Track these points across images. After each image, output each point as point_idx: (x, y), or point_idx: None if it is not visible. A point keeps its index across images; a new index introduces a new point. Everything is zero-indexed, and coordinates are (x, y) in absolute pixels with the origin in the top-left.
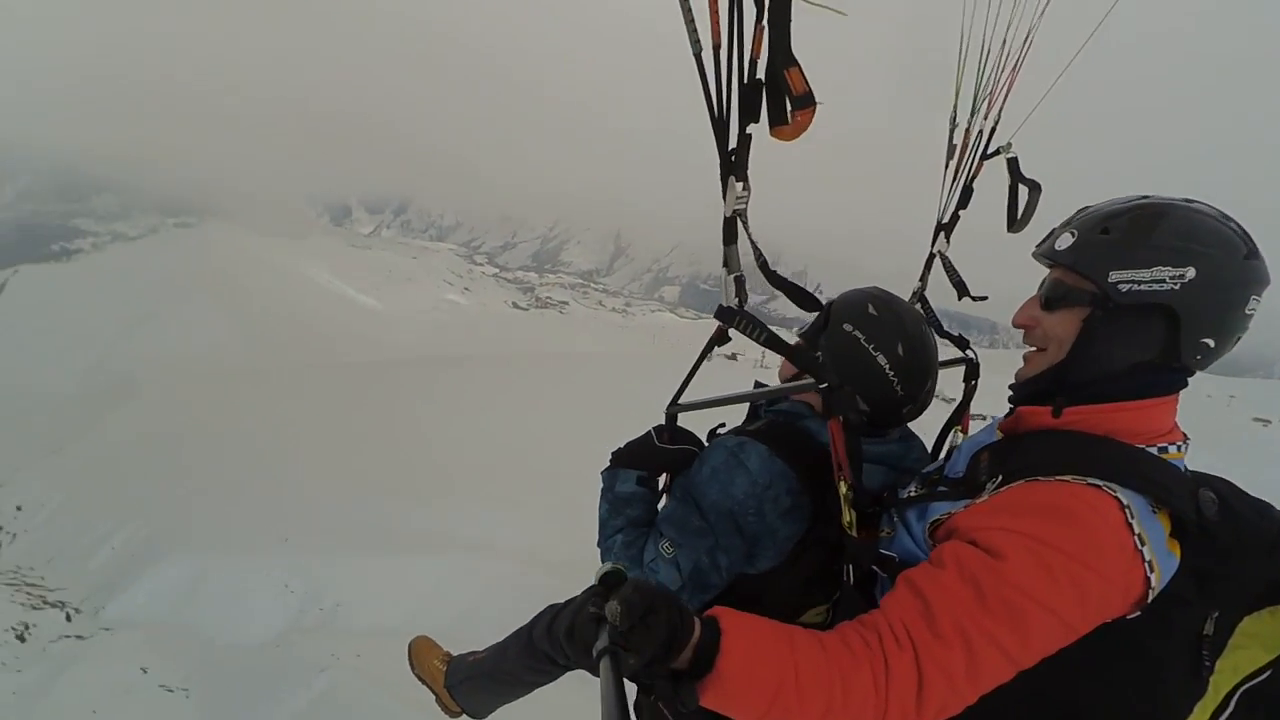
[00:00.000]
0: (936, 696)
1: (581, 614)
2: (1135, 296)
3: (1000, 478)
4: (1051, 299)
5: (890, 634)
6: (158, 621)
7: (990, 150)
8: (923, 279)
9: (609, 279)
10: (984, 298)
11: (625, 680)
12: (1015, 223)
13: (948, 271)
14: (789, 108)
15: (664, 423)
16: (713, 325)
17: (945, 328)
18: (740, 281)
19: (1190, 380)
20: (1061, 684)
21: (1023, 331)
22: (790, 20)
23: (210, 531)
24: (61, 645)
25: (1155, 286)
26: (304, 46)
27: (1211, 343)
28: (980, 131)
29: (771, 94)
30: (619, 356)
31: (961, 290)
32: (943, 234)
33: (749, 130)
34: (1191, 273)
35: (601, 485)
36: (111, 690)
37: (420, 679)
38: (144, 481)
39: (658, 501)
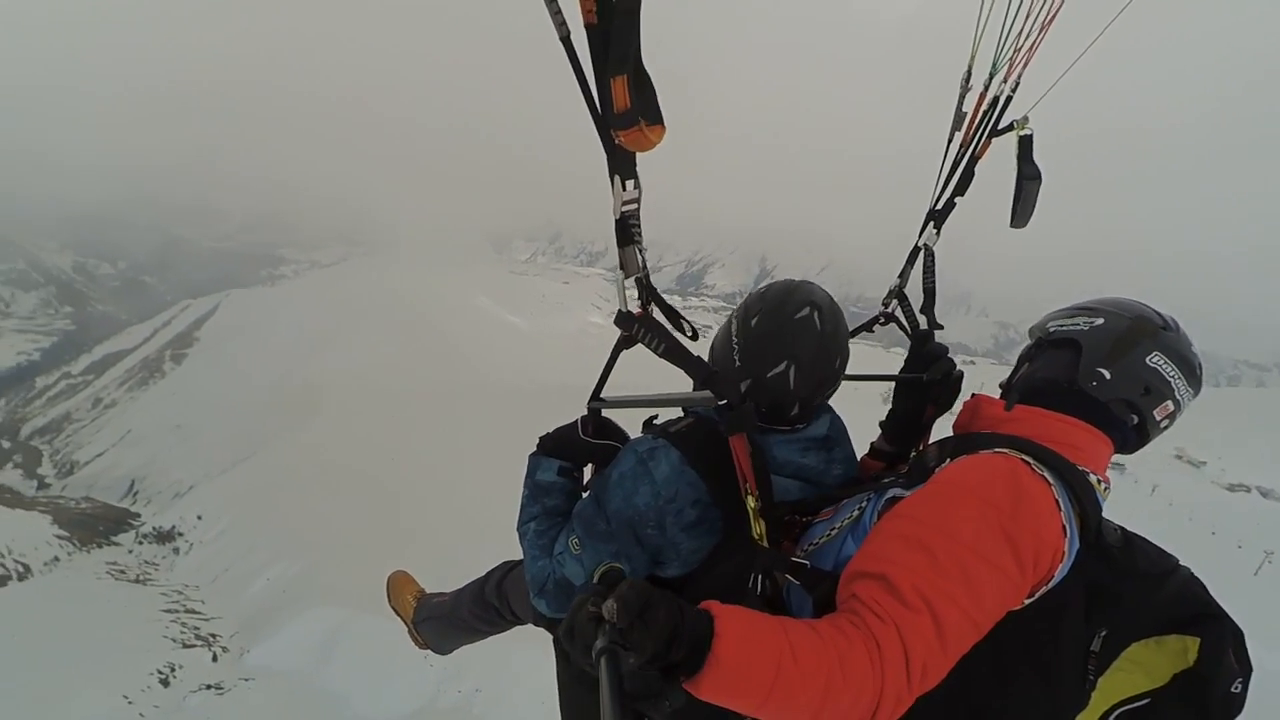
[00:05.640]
0: (920, 664)
1: (580, 613)
2: (1058, 334)
3: (948, 461)
4: (1020, 355)
5: (871, 613)
6: (297, 673)
7: (1003, 125)
8: (902, 275)
9: None
10: (940, 326)
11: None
12: (1017, 216)
13: (925, 273)
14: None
15: (587, 414)
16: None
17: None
18: (641, 285)
19: (1129, 451)
20: (971, 688)
21: None
22: (638, 4)
23: (357, 579)
24: (200, 699)
25: (1071, 327)
26: (476, 92)
27: (1107, 374)
28: (996, 99)
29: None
30: None
31: (929, 299)
32: (932, 224)
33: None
34: (1100, 320)
35: (525, 469)
36: None
37: (395, 611)
38: (307, 509)
39: (578, 493)
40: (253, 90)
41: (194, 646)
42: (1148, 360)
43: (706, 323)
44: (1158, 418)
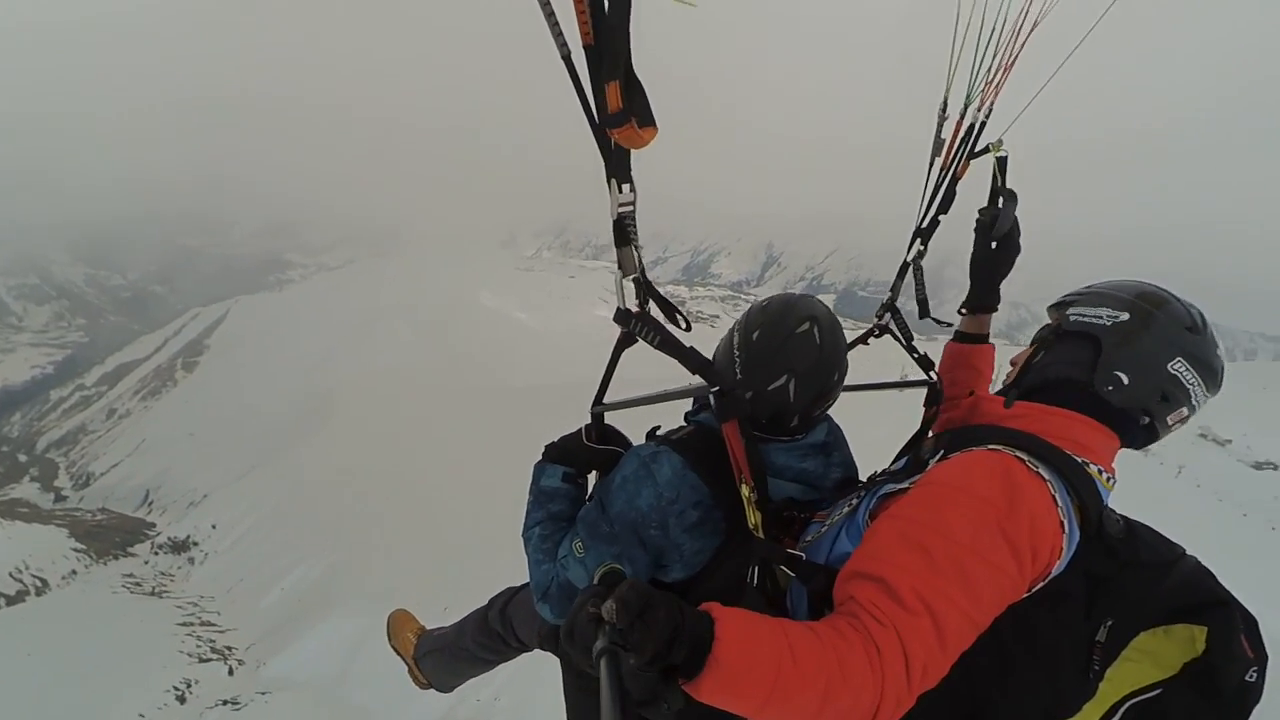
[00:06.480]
0: (920, 666)
1: (580, 614)
2: (1078, 325)
3: (942, 453)
4: (1035, 336)
5: (870, 616)
6: (314, 685)
7: (979, 148)
8: (894, 289)
9: (759, 289)
10: (949, 324)
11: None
12: (994, 234)
13: (917, 286)
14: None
15: (591, 422)
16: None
17: (914, 345)
18: (639, 285)
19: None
20: (972, 680)
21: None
22: (627, 23)
23: (374, 587)
24: (217, 714)
25: (1094, 320)
26: (475, 91)
27: (1125, 379)
28: (972, 126)
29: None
30: None
31: (923, 309)
32: (918, 241)
33: None
34: (1125, 317)
35: (531, 477)
36: None
37: (395, 650)
38: (321, 516)
39: (582, 499)
40: (253, 101)
41: (210, 660)
42: (1169, 367)
43: (714, 312)
44: (1170, 423)
